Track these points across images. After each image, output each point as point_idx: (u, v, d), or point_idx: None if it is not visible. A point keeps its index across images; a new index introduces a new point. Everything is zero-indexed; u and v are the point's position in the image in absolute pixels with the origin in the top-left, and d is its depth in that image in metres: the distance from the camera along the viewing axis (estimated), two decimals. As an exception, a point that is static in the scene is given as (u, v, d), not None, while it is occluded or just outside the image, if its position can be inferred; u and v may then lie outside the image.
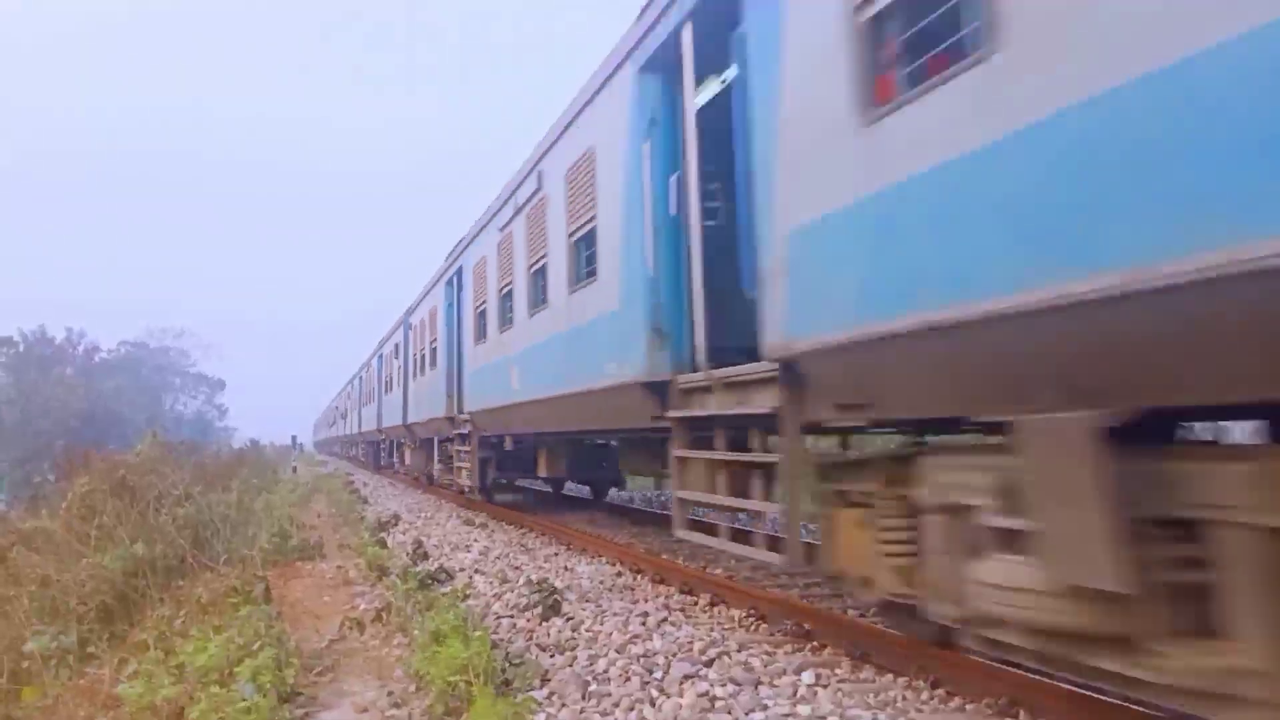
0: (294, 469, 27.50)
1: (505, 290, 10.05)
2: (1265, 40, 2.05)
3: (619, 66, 6.45)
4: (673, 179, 5.76)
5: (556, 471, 11.56)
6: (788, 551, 4.22)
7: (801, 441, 4.27)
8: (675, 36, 5.57)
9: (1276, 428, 3.02)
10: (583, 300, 7.19)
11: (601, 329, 6.68)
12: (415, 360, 18.12)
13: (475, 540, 9.89)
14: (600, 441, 11.08)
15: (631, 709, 3.88)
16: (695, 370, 5.42)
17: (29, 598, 7.22)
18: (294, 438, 51.60)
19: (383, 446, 27.76)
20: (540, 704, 3.92)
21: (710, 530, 5.53)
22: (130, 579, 7.51)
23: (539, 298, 8.63)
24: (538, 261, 8.63)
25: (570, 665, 4.55)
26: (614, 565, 7.68)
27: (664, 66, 5.86)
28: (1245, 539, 2.41)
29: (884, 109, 3.47)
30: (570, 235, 7.56)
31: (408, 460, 21.44)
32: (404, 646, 5.10)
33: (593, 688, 4.13)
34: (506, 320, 9.97)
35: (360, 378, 32.60)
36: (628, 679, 4.27)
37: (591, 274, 7.03)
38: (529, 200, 8.92)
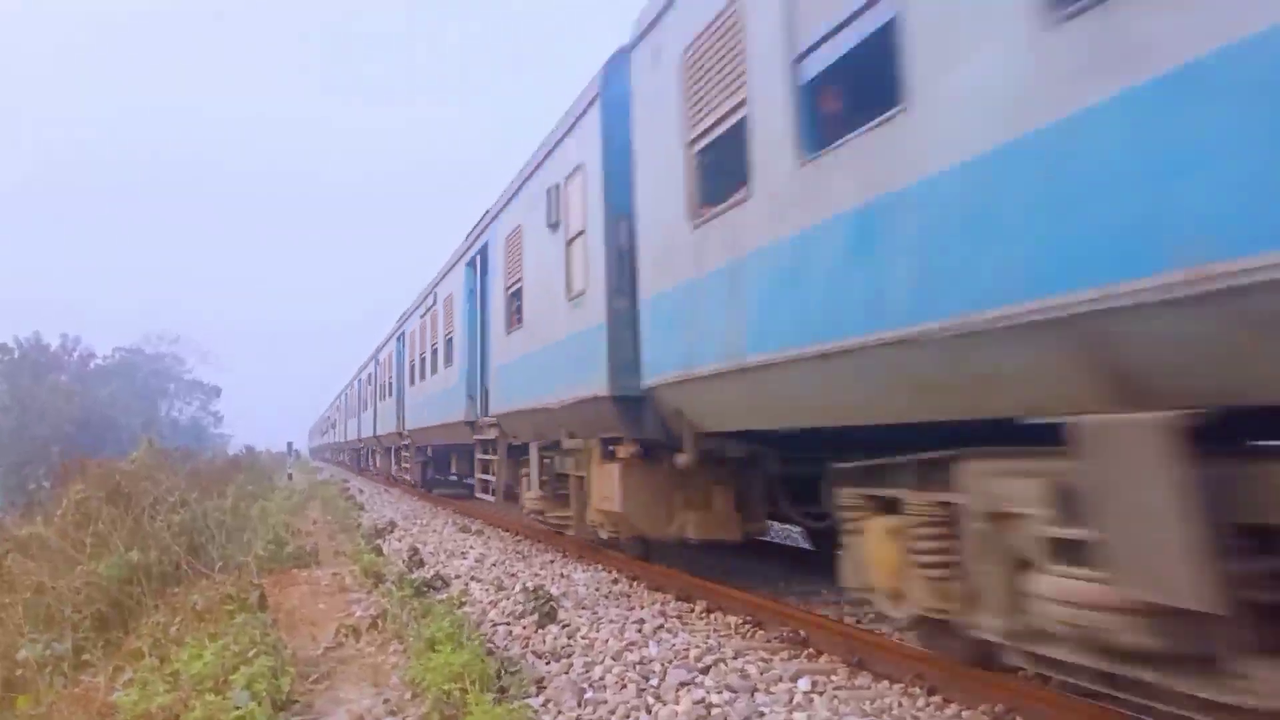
0: (289, 476, 28.29)
1: (423, 356, 16.15)
2: (542, 354, 8.01)
3: (460, 257, 12.57)
4: (478, 321, 11.76)
5: (463, 472, 17.52)
6: (497, 496, 10.22)
7: (507, 449, 10.26)
8: (478, 254, 11.61)
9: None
10: (448, 373, 13.26)
11: (454, 391, 12.71)
12: (381, 388, 24.18)
13: (471, 547, 10.21)
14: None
15: (627, 716, 3.89)
16: (482, 416, 11.43)
17: (23, 605, 7.20)
18: (290, 444, 55.35)
19: (362, 452, 33.82)
20: (536, 711, 3.91)
21: (485, 490, 11.44)
22: (125, 586, 7.50)
23: (435, 365, 14.67)
24: (435, 344, 14.68)
25: (566, 672, 4.56)
26: (610, 572, 7.83)
27: (476, 266, 11.88)
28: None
29: (513, 330, 9.48)
30: (446, 336, 13.64)
31: (378, 463, 27.48)
32: (400, 654, 5.12)
33: (588, 695, 4.15)
34: (423, 375, 16.08)
35: (346, 395, 38.63)
36: (624, 686, 4.30)
37: (452, 359, 13.07)
38: (431, 307, 15.07)
